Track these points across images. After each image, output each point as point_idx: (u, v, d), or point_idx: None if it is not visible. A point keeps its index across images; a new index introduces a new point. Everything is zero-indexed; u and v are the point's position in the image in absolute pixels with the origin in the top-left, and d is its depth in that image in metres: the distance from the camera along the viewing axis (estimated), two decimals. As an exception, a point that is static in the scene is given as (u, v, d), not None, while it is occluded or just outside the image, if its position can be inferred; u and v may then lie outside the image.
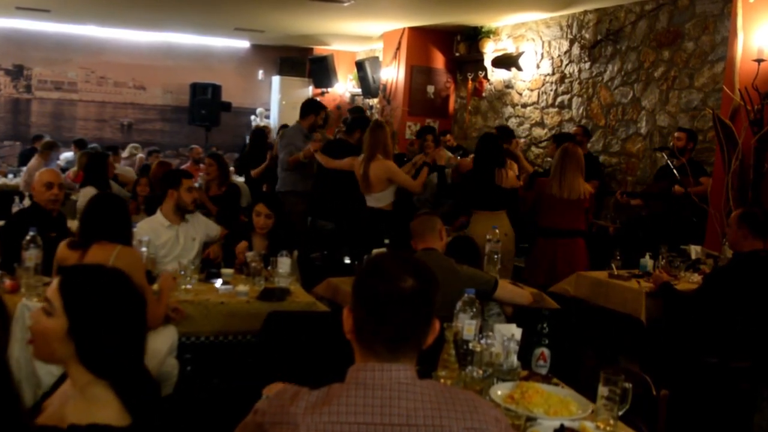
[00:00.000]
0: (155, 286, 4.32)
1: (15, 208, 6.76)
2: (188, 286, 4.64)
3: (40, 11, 12.57)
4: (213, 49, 15.72)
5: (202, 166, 11.41)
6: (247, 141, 14.34)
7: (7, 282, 4.34)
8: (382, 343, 1.89)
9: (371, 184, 6.86)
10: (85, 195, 6.90)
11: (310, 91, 15.57)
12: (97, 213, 4.16)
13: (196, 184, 9.34)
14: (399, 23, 11.86)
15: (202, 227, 5.59)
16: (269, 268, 4.98)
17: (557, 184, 6.38)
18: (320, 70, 14.82)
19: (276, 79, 15.78)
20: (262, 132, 10.56)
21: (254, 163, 9.44)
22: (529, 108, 10.58)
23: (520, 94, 10.75)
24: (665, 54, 8.29)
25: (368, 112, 12.96)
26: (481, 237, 5.79)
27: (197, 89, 14.19)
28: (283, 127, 10.65)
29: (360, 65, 13.34)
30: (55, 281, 2.08)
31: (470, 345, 3.08)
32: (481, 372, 2.92)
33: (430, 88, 12.17)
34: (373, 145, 6.82)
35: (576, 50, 9.68)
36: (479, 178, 6.76)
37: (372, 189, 6.88)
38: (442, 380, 2.89)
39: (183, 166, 11.68)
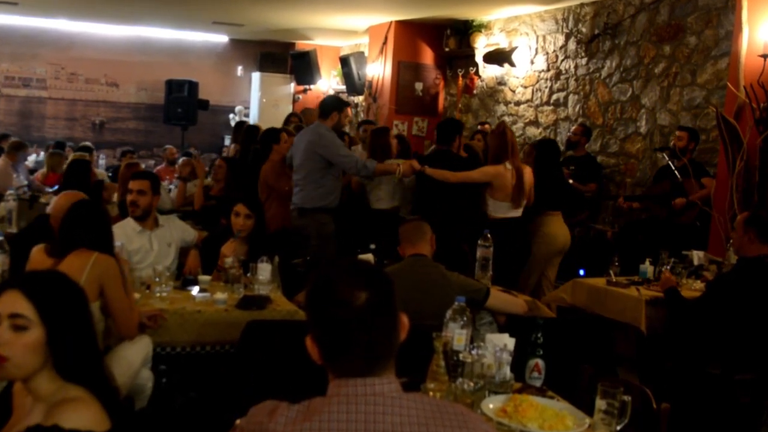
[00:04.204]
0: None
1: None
2: (163, 294, 4.61)
3: (7, 4, 12.51)
4: (189, 44, 15.68)
5: (176, 167, 11.40)
6: (228, 140, 14.40)
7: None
8: (356, 366, 1.87)
9: (524, 194, 6.56)
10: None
11: (291, 88, 15.57)
12: (77, 221, 4.12)
13: (171, 186, 9.33)
14: (385, 17, 11.87)
15: (179, 232, 5.55)
16: (249, 274, 4.95)
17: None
18: (302, 66, 14.82)
19: (256, 76, 15.74)
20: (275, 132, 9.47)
21: None
22: (522, 106, 10.60)
23: (513, 92, 10.76)
24: (666, 49, 8.31)
25: (354, 111, 12.93)
26: (561, 239, 6.87)
27: (173, 86, 14.17)
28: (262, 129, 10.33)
29: (344, 61, 13.33)
30: (13, 295, 2.11)
31: (461, 356, 3.06)
32: (472, 384, 2.91)
33: (419, 85, 12.16)
34: (514, 151, 6.58)
35: (572, 45, 9.71)
36: (561, 179, 7.26)
37: (524, 198, 6.58)
38: (430, 393, 2.88)
39: (157, 168, 11.66)
